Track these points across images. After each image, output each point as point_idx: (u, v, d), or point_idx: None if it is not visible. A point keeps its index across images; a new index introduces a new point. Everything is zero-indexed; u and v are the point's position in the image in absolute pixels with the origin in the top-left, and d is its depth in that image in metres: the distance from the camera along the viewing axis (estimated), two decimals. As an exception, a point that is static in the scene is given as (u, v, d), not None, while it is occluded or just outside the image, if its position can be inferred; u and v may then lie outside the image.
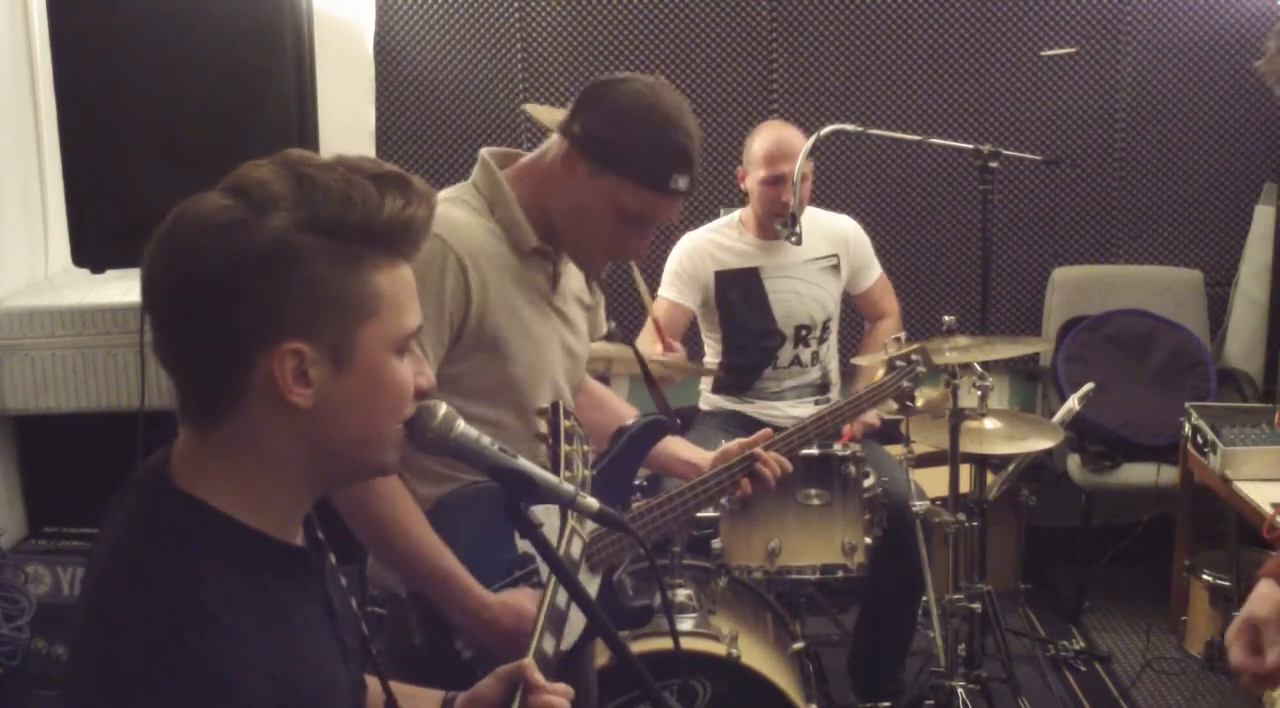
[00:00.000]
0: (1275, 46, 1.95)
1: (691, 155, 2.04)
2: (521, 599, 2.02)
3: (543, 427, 1.86)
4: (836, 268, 3.66)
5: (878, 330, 3.79)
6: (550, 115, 2.15)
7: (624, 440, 2.22)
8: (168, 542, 1.23)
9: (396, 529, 1.98)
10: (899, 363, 2.82)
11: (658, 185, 2.02)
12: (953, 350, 3.07)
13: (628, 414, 2.37)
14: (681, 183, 2.03)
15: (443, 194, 2.14)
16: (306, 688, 1.25)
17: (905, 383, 2.83)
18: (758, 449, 2.36)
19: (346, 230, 1.23)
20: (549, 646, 1.36)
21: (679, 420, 2.48)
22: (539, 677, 1.36)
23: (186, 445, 1.28)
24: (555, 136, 2.12)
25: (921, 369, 2.85)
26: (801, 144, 3.50)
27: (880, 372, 2.86)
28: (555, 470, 1.72)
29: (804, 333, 3.64)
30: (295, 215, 1.22)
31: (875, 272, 3.77)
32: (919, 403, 3.18)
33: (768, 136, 3.55)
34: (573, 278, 2.25)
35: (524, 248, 2.10)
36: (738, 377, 3.66)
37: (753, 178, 3.55)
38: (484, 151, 2.18)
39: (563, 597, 1.40)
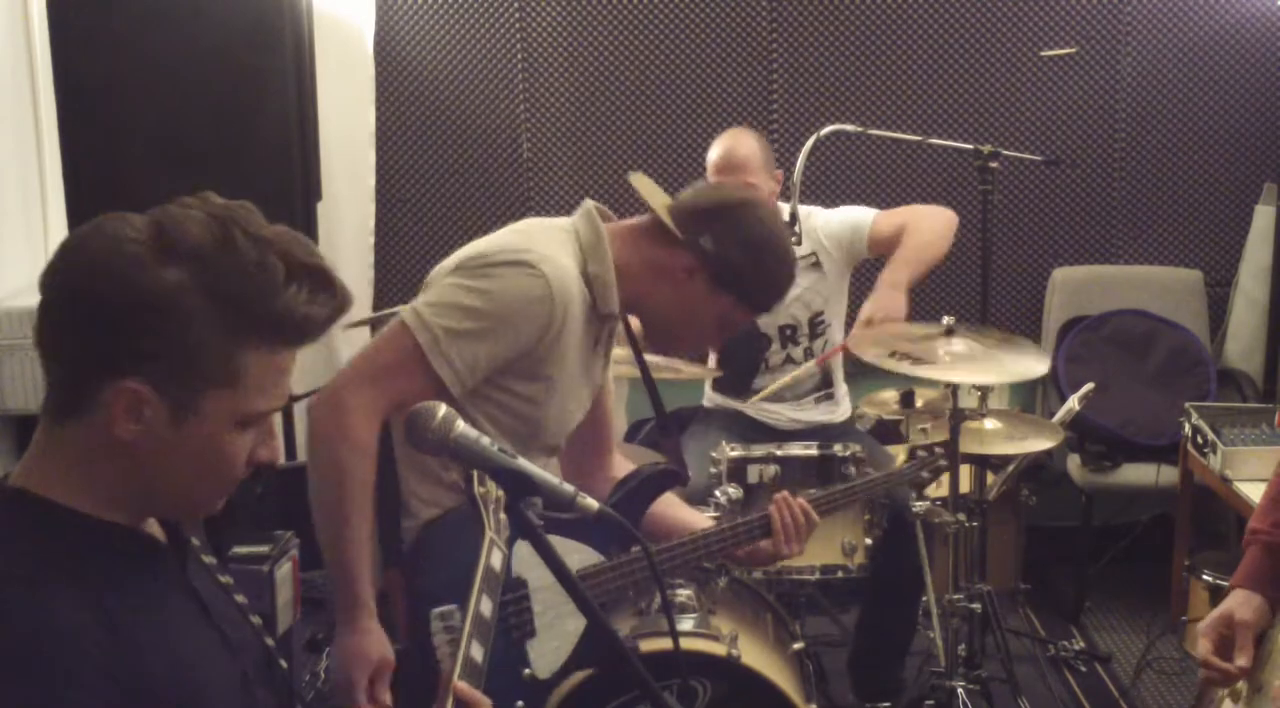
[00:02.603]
0: None
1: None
2: (385, 658, 1.99)
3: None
4: (818, 265, 3.62)
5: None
6: (654, 193, 2.22)
7: (630, 486, 2.24)
8: None
9: (347, 514, 1.98)
10: (920, 452, 2.86)
11: (764, 310, 2.27)
12: (949, 357, 3.06)
13: (617, 465, 2.42)
14: (778, 306, 2.30)
15: (548, 228, 2.18)
16: (163, 670, 1.27)
17: (925, 474, 2.87)
18: (780, 496, 2.40)
19: (238, 305, 1.25)
20: (477, 654, 1.36)
21: (680, 426, 2.51)
22: (461, 684, 1.36)
23: (36, 438, 1.31)
24: (657, 213, 2.18)
25: (943, 463, 2.87)
26: (756, 152, 3.47)
27: (902, 457, 2.92)
28: None
29: (789, 332, 3.63)
30: (196, 274, 1.24)
31: (866, 221, 3.49)
32: (919, 404, 3.17)
33: (717, 148, 3.50)
34: (604, 346, 2.29)
35: (603, 310, 2.14)
36: (734, 379, 3.66)
37: None
38: (589, 203, 2.23)
39: (487, 606, 1.40)
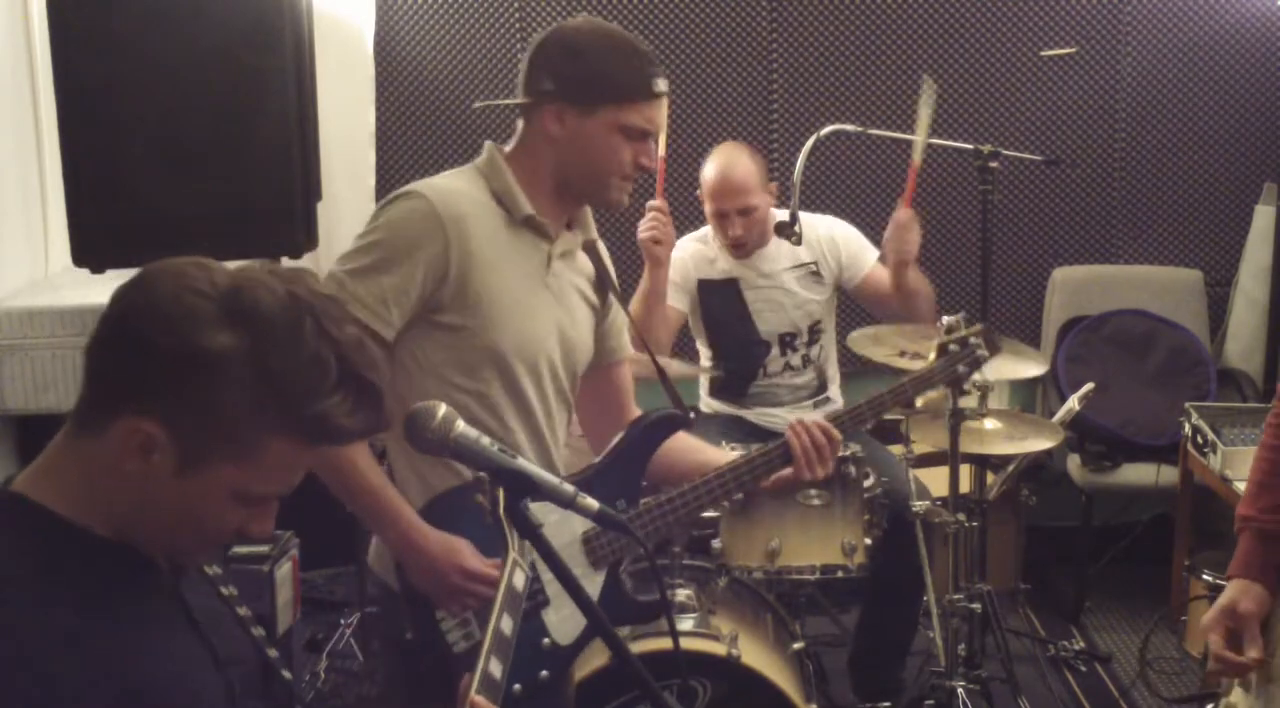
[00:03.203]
0: None
1: (654, 57, 2.19)
2: (459, 542, 2.03)
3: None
4: (817, 274, 3.63)
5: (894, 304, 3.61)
6: (507, 100, 2.23)
7: (636, 432, 2.21)
8: None
9: (351, 464, 2.00)
10: (953, 347, 2.63)
11: (646, 94, 2.14)
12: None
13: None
14: (662, 84, 2.17)
15: (446, 172, 2.22)
16: (156, 677, 1.28)
17: (961, 368, 2.62)
18: (795, 421, 2.31)
19: (279, 391, 1.25)
20: (496, 670, 1.36)
21: (692, 414, 2.44)
22: (479, 698, 1.37)
23: (53, 443, 1.32)
24: (521, 118, 2.20)
25: (983, 353, 2.63)
26: (752, 172, 3.49)
27: (931, 356, 2.65)
28: None
29: (789, 339, 3.63)
30: (250, 346, 1.24)
31: (869, 261, 3.63)
32: (919, 404, 3.17)
33: (714, 169, 3.51)
34: (577, 273, 2.26)
35: (517, 215, 2.14)
36: (731, 383, 3.65)
37: (706, 207, 3.56)
38: (489, 143, 2.25)
39: (508, 624, 1.41)
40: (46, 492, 1.29)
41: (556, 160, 2.15)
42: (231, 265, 1.33)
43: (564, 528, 2.09)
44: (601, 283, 2.31)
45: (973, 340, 2.63)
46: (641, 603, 2.22)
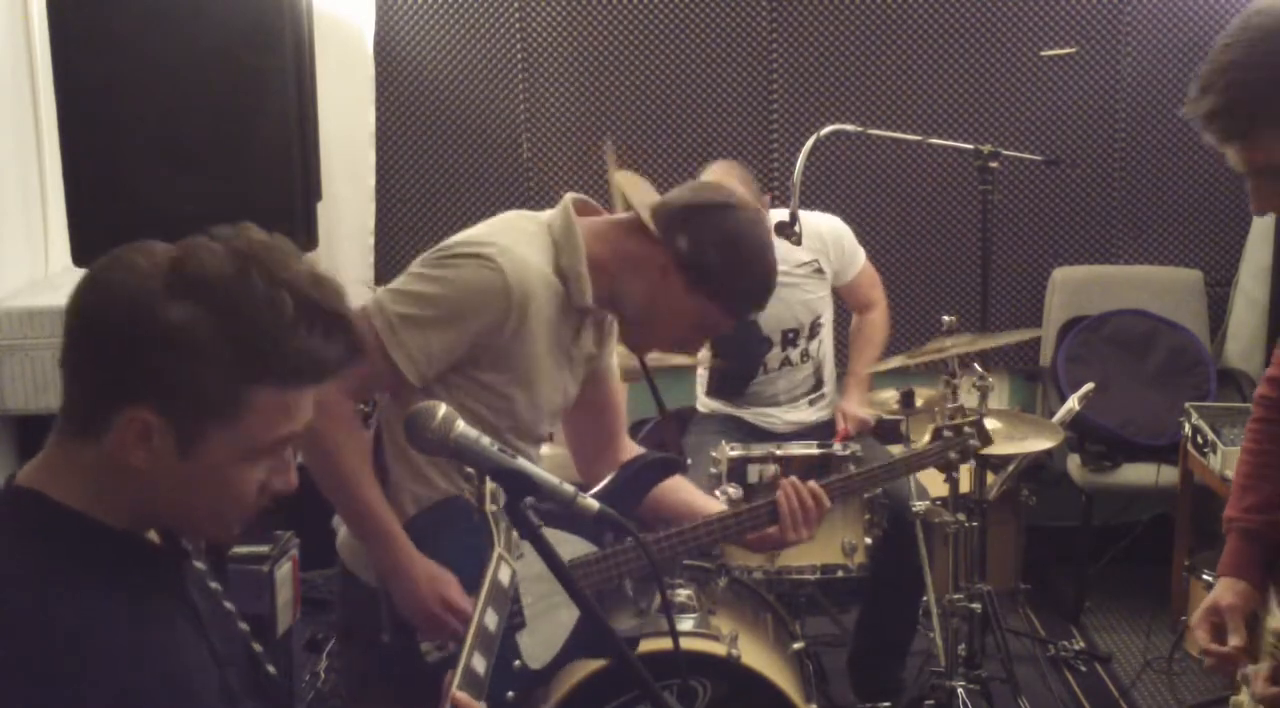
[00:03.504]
0: (1195, 91, 1.93)
1: (773, 285, 2.20)
2: (447, 574, 2.06)
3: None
4: (820, 271, 3.64)
5: (865, 323, 3.80)
6: (638, 191, 2.20)
7: (629, 472, 2.23)
8: None
9: (352, 481, 2.04)
10: (947, 432, 2.75)
11: (743, 315, 2.19)
12: (952, 349, 3.07)
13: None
14: (757, 313, 2.23)
15: (524, 222, 2.18)
16: (159, 675, 1.28)
17: (953, 455, 2.75)
18: (787, 481, 2.35)
19: (245, 342, 1.26)
20: (479, 665, 1.36)
21: (680, 423, 2.49)
22: (460, 694, 1.37)
23: (49, 446, 1.32)
24: (640, 211, 2.16)
25: (974, 443, 2.76)
26: (743, 194, 3.49)
27: (926, 437, 2.80)
28: None
29: (791, 335, 3.63)
30: (206, 310, 1.24)
31: (859, 262, 3.71)
32: (919, 403, 3.18)
33: None
34: (589, 338, 2.27)
35: (577, 302, 2.13)
36: (730, 383, 3.65)
37: None
38: (568, 197, 2.21)
39: (492, 620, 1.40)
40: (54, 486, 1.30)
41: (633, 291, 2.15)
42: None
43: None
44: (604, 343, 2.33)
45: (966, 430, 2.75)
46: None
